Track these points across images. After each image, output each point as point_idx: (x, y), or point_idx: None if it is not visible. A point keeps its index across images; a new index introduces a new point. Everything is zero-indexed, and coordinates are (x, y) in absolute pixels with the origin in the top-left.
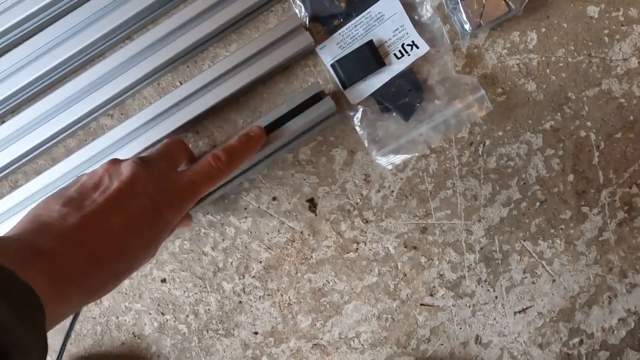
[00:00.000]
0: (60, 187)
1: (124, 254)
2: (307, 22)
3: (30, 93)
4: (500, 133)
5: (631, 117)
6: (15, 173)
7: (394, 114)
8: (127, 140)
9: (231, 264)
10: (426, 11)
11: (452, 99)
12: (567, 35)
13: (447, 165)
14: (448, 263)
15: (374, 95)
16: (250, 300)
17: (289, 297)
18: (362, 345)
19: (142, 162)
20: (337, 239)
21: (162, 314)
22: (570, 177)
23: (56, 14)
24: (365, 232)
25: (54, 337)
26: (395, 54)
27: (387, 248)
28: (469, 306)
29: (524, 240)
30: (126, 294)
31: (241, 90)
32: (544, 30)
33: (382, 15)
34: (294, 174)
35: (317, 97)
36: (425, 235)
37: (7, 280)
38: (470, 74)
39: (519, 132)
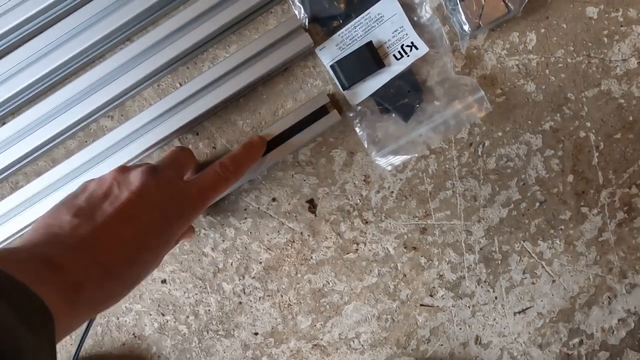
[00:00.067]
0: (68, 193)
1: (134, 264)
2: (307, 24)
3: (31, 95)
4: (500, 134)
5: (630, 118)
6: (16, 174)
7: (394, 115)
8: (128, 142)
9: (231, 264)
10: (425, 12)
11: (451, 99)
12: (566, 36)
13: (447, 166)
14: (448, 264)
15: (374, 96)
16: (250, 301)
17: (289, 297)
18: (362, 345)
19: (151, 171)
20: (337, 240)
21: (163, 314)
22: (570, 178)
23: (56, 16)
24: (365, 233)
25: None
26: (394, 55)
27: (387, 249)
28: (469, 307)
29: (524, 241)
30: None
31: (241, 92)
32: (543, 31)
33: (381, 17)
34: (294, 175)
35: (323, 108)
36: (424, 236)
37: (21, 294)
38: (470, 74)
39: (519, 132)
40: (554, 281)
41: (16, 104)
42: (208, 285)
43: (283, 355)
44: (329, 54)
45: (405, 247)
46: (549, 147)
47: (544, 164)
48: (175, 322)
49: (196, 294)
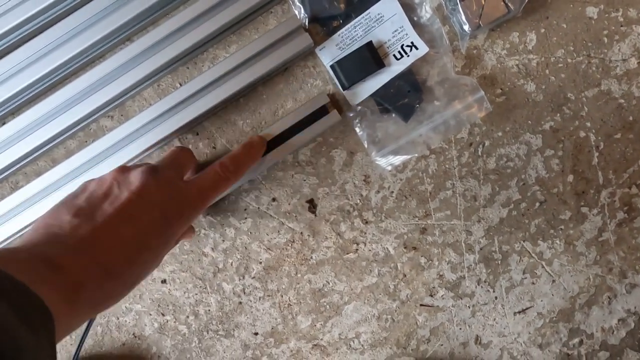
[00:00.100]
0: (68, 193)
1: (134, 264)
2: (307, 24)
3: (31, 95)
4: (500, 134)
5: (630, 118)
6: (16, 174)
7: (394, 115)
8: (128, 142)
9: (231, 264)
10: (425, 12)
11: (451, 99)
12: (566, 36)
13: (447, 166)
14: (448, 263)
15: (374, 96)
16: (250, 301)
17: (289, 297)
18: (362, 345)
19: (151, 171)
20: (337, 240)
21: (163, 314)
22: (570, 178)
23: (56, 16)
24: (365, 233)
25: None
26: (394, 55)
27: (387, 249)
28: (469, 307)
29: (524, 241)
30: None
31: (241, 92)
32: (543, 31)
33: (381, 17)
34: (294, 175)
35: (323, 108)
36: (424, 236)
37: (21, 294)
38: (470, 74)
39: (519, 132)
40: (554, 281)
41: (16, 104)
42: (208, 285)
43: (283, 355)
44: (329, 54)
45: (405, 247)
46: (549, 147)
47: (544, 164)
48: (175, 322)
49: (196, 294)
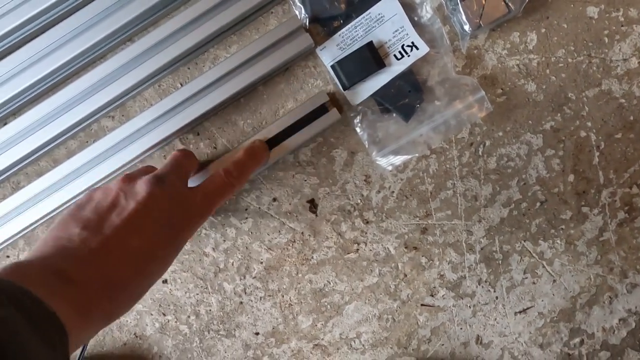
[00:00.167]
0: (73, 203)
1: (143, 275)
2: (307, 24)
3: (32, 95)
4: (501, 133)
5: (631, 118)
6: (17, 174)
7: (394, 115)
8: (129, 142)
9: (232, 264)
10: (426, 12)
11: (452, 99)
12: (567, 36)
13: (448, 166)
14: (448, 263)
15: (374, 96)
16: (251, 301)
17: (290, 297)
18: (363, 345)
19: (156, 180)
20: (338, 240)
21: (164, 314)
22: (571, 178)
23: (58, 17)
24: (366, 233)
25: None
26: (395, 55)
27: (388, 249)
28: (470, 306)
29: (525, 241)
30: None
31: (242, 92)
32: (543, 30)
33: (381, 17)
34: (295, 175)
35: (322, 107)
36: (425, 236)
37: (38, 310)
38: (470, 74)
39: (519, 132)
40: (554, 281)
41: (18, 104)
42: (209, 285)
43: (284, 355)
44: (329, 54)
45: (406, 247)
46: (549, 147)
47: (544, 163)
48: (176, 322)
49: (197, 294)
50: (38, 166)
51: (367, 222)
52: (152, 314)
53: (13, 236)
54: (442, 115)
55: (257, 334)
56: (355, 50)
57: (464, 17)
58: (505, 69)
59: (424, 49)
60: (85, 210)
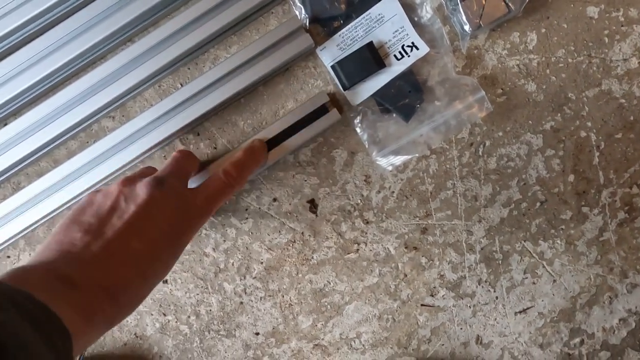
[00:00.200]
0: (75, 206)
1: (146, 277)
2: (307, 24)
3: (32, 96)
4: (501, 134)
5: (631, 118)
6: (18, 175)
7: (394, 115)
8: (129, 142)
9: (232, 264)
10: (426, 12)
11: (452, 99)
12: (567, 36)
13: (448, 166)
14: (448, 263)
15: (374, 96)
16: (252, 301)
17: (290, 297)
18: (363, 345)
19: (156, 182)
20: (338, 240)
21: (164, 314)
22: (571, 178)
23: (58, 17)
24: (366, 233)
25: None
26: (395, 55)
27: (388, 249)
28: (470, 306)
29: (525, 241)
30: None
31: (242, 92)
32: (543, 30)
33: (382, 17)
34: (295, 175)
35: (322, 107)
36: (425, 236)
37: (42, 314)
38: (470, 74)
39: (519, 132)
40: (554, 281)
41: (18, 105)
42: (209, 285)
43: (284, 355)
44: (329, 55)
45: (406, 247)
46: (549, 147)
47: (544, 163)
48: (176, 322)
49: (197, 294)
50: (38, 166)
51: (367, 222)
52: (152, 314)
53: (14, 236)
54: (442, 115)
55: (258, 334)
56: (356, 51)
57: (464, 17)
58: (506, 69)
59: (424, 49)
60: (86, 214)
